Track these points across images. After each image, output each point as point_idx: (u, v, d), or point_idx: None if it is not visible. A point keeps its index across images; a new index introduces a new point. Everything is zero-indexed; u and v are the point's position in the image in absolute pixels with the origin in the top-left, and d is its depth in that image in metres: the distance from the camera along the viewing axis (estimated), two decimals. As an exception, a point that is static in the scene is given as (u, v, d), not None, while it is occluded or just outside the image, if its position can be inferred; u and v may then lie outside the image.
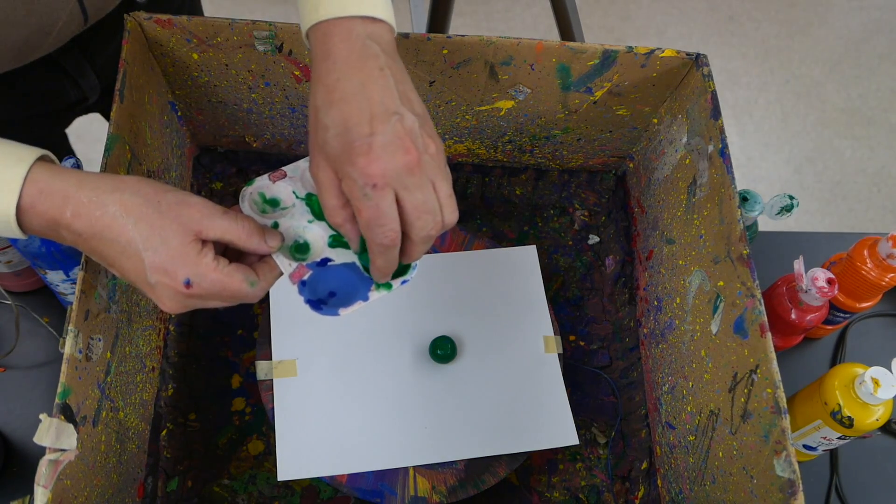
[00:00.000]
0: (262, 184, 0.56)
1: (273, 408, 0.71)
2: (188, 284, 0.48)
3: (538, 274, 0.82)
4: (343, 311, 0.54)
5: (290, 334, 0.74)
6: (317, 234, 0.55)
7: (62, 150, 0.96)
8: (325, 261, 0.55)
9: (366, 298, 0.54)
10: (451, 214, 0.51)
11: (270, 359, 0.73)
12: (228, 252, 0.52)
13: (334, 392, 0.73)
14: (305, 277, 0.54)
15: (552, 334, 0.78)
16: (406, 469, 0.71)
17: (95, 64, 0.78)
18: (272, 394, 0.72)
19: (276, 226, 0.55)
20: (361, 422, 0.72)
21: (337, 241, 0.55)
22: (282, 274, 0.53)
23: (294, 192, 0.56)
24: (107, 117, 0.94)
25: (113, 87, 0.82)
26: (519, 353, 0.77)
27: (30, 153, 0.47)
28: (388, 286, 0.55)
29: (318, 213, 0.56)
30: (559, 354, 0.78)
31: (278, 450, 0.69)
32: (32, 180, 0.47)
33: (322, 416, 0.71)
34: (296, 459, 0.69)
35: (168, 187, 0.49)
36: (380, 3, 0.52)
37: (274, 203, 0.56)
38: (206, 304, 0.50)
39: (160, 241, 0.47)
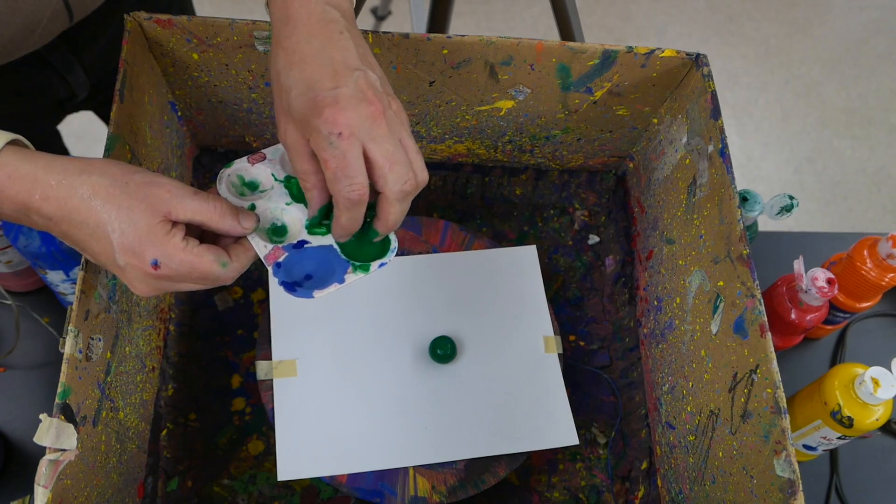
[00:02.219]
0: (241, 166, 0.56)
1: (273, 408, 0.71)
2: (156, 265, 0.47)
3: (538, 274, 0.82)
4: (318, 294, 0.53)
5: (290, 334, 0.74)
6: (295, 217, 0.55)
7: (56, 147, 0.96)
8: (301, 243, 0.54)
9: (342, 281, 0.53)
10: (423, 171, 0.50)
11: (270, 359, 0.73)
12: (205, 235, 0.52)
13: (334, 392, 0.73)
14: (281, 259, 0.53)
15: (552, 334, 0.78)
16: (406, 469, 0.71)
17: (83, 60, 0.77)
18: (272, 394, 0.72)
19: (252, 208, 0.54)
20: (361, 422, 0.72)
21: (315, 225, 0.55)
22: (256, 256, 0.52)
23: (273, 175, 0.56)
24: (99, 115, 0.95)
25: (102, 84, 0.82)
26: (519, 353, 0.77)
27: None
28: (366, 268, 0.54)
29: (297, 196, 0.55)
30: (559, 354, 0.78)
31: (278, 450, 0.69)
32: (0, 164, 0.46)
33: (322, 416, 0.71)
34: (296, 459, 0.69)
35: (137, 168, 0.49)
36: None
37: (253, 186, 0.56)
38: (178, 287, 0.50)
39: (128, 223, 0.47)
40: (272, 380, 0.72)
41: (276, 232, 0.54)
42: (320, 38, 0.49)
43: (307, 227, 0.55)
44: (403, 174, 0.48)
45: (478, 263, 0.81)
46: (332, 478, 0.69)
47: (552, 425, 0.74)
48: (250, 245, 0.52)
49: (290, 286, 0.53)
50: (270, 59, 0.51)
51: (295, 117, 0.49)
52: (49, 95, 0.79)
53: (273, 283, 0.77)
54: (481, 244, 0.83)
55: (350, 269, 0.54)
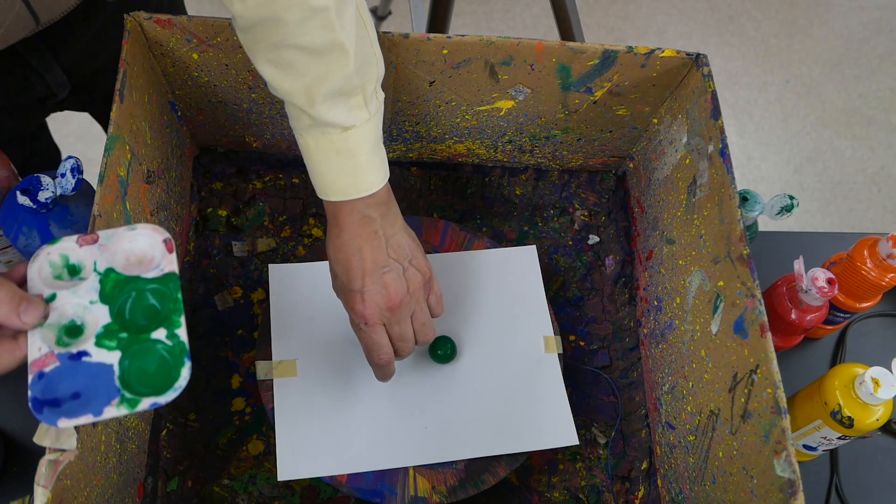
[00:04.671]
0: (68, 245, 0.48)
1: (273, 408, 0.71)
2: None
3: (538, 274, 0.81)
4: (63, 423, 0.44)
5: (290, 334, 0.74)
6: (94, 319, 0.47)
7: (42, 141, 0.96)
8: (80, 354, 0.46)
9: (99, 413, 0.44)
10: (424, 337, 0.66)
11: (270, 359, 0.73)
12: None
13: (334, 392, 0.73)
14: (47, 369, 0.45)
15: (552, 334, 0.78)
16: (406, 469, 0.71)
17: (62, 60, 0.77)
18: (272, 394, 0.72)
19: (52, 298, 0.46)
20: (361, 422, 0.72)
21: (108, 334, 0.46)
22: (25, 359, 0.45)
23: (94, 264, 0.48)
24: (93, 115, 0.94)
25: (85, 85, 0.82)
26: (519, 353, 0.77)
27: None
28: (133, 404, 0.45)
29: (108, 296, 0.47)
30: (559, 354, 0.78)
31: (278, 450, 0.69)
32: None
33: (322, 416, 0.71)
34: (296, 459, 0.69)
35: None
36: (375, 172, 0.61)
37: (74, 270, 0.48)
38: None
39: None
40: (272, 380, 0.72)
41: (71, 332, 0.46)
42: (359, 240, 0.62)
43: (99, 334, 0.46)
44: (406, 348, 0.65)
45: (478, 263, 0.81)
46: (331, 478, 0.69)
47: (552, 425, 0.74)
48: (25, 344, 0.45)
49: (39, 404, 0.44)
50: (326, 240, 0.64)
51: (339, 294, 0.65)
52: (28, 93, 0.78)
53: (272, 282, 0.77)
54: (481, 244, 0.83)
55: (116, 399, 0.45)
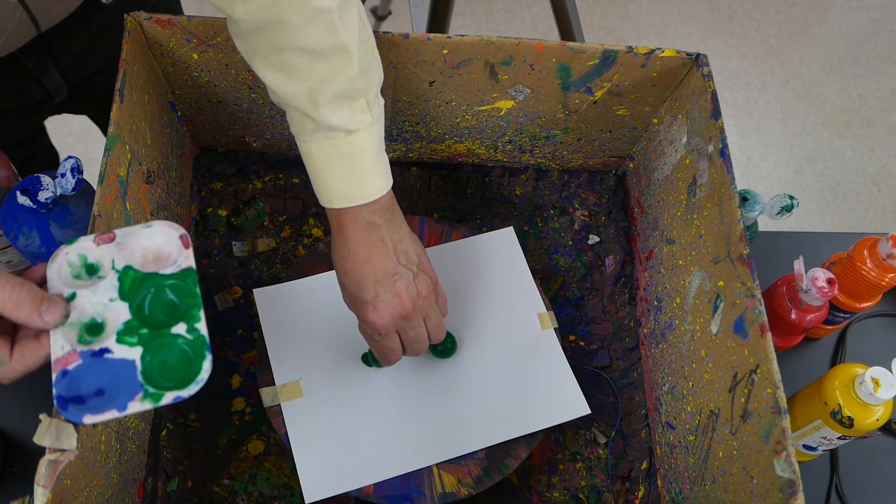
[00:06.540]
0: (85, 245, 0.49)
1: (286, 433, 0.71)
2: None
3: (520, 254, 0.82)
4: (88, 419, 0.45)
5: (288, 355, 0.74)
6: (115, 316, 0.47)
7: (39, 144, 0.96)
8: (102, 351, 0.46)
9: (123, 408, 0.45)
10: (437, 337, 0.67)
11: (273, 384, 0.73)
12: (6, 322, 0.46)
13: (344, 405, 0.72)
14: (71, 367, 0.45)
15: (545, 310, 0.78)
16: (429, 468, 0.71)
17: (59, 63, 0.77)
18: (283, 419, 0.71)
19: (72, 297, 0.47)
20: (376, 429, 0.72)
21: (129, 331, 0.47)
22: (48, 358, 0.46)
23: (113, 262, 0.49)
24: (92, 118, 0.94)
25: (82, 87, 0.82)
26: (516, 334, 0.77)
27: None
28: (157, 398, 0.46)
29: (126, 293, 0.48)
30: (555, 329, 0.78)
31: (300, 472, 0.68)
32: None
33: (336, 431, 0.71)
34: (319, 479, 0.68)
35: None
36: (379, 178, 0.61)
37: (93, 269, 0.49)
38: None
39: None
40: (280, 404, 0.72)
41: (92, 330, 0.47)
42: (366, 249, 0.61)
43: (120, 331, 0.47)
44: (420, 348, 0.66)
45: (460, 253, 0.81)
46: (359, 490, 0.69)
47: (561, 399, 0.74)
48: (47, 343, 0.46)
49: (64, 402, 0.45)
50: (332, 250, 0.63)
51: (348, 305, 0.64)
52: (25, 97, 0.78)
53: (260, 307, 0.76)
54: (459, 234, 0.83)
55: (140, 394, 0.46)
